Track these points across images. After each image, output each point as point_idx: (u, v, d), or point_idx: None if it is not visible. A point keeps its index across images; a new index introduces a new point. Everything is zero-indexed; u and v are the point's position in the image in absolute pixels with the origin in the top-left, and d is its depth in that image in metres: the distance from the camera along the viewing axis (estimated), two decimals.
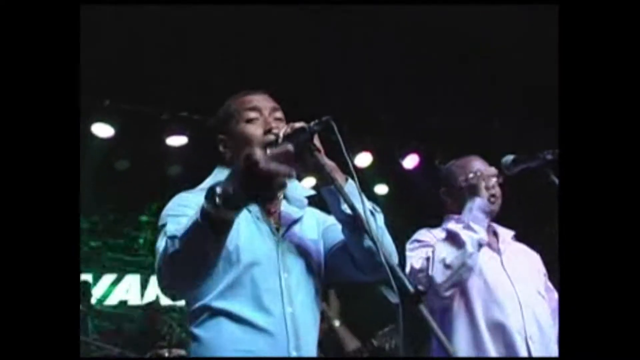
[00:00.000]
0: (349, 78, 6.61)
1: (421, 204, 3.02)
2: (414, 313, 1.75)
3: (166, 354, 5.26)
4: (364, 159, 8.13)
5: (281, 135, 2.28)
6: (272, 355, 2.18)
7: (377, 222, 2.26)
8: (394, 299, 1.84)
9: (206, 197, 1.91)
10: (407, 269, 2.94)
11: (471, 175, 3.14)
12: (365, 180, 8.13)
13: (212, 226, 1.91)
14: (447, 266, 2.85)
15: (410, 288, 1.79)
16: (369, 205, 2.23)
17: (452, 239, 2.91)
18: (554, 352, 2.91)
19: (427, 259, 2.89)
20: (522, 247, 3.30)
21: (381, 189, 8.45)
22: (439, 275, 2.83)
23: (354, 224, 2.23)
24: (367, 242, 2.22)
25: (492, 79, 6.94)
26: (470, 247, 2.87)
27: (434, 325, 1.72)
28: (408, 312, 1.80)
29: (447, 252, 2.87)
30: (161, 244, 2.13)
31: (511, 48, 6.57)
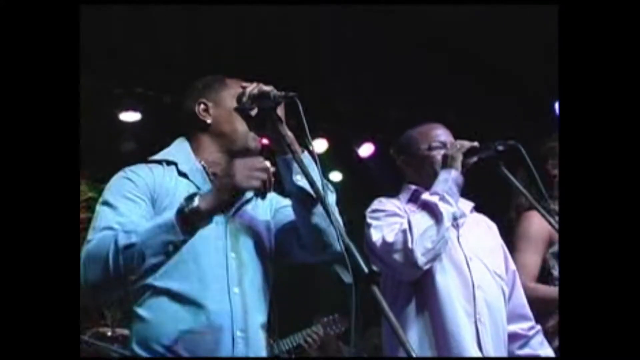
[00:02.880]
0: (311, 65, 6.63)
1: (374, 193, 3.02)
2: (365, 293, 1.77)
3: (109, 333, 5.22)
4: (319, 145, 8.05)
5: (247, 92, 2.32)
6: (214, 334, 2.16)
7: (328, 200, 2.22)
8: (347, 278, 1.85)
9: (186, 200, 2.10)
10: (376, 241, 2.86)
11: (448, 144, 3.07)
12: (320, 166, 8.14)
13: (185, 229, 2.08)
14: (427, 239, 2.78)
15: (365, 268, 1.82)
16: (322, 180, 2.24)
17: (430, 211, 2.84)
18: (504, 333, 2.96)
19: (404, 231, 2.81)
20: (482, 219, 3.27)
21: (335, 176, 8.45)
22: (420, 248, 2.76)
23: (304, 197, 2.27)
24: (315, 220, 2.26)
25: (450, 71, 7.02)
26: (447, 221, 2.84)
27: (386, 306, 1.73)
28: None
29: (426, 225, 2.80)
30: (101, 227, 2.17)
31: (470, 40, 6.60)
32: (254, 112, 2.32)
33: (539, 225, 3.31)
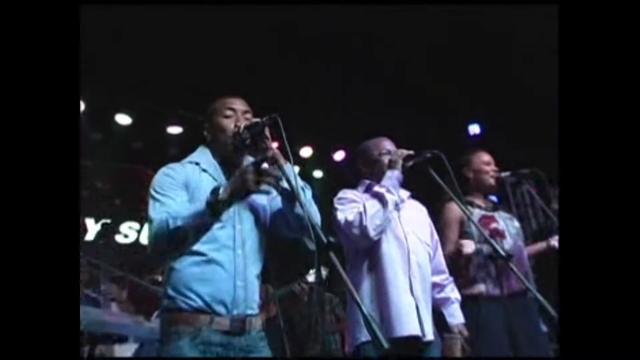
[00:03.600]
0: (302, 92, 6.53)
1: (345, 186, 3.03)
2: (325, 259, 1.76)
3: (159, 279, 5.25)
4: (306, 151, 8.08)
5: (242, 127, 2.28)
6: (222, 281, 2.17)
7: (306, 195, 2.24)
8: (311, 246, 1.86)
9: (212, 194, 2.10)
10: (341, 220, 2.83)
11: (392, 152, 3.04)
12: (307, 166, 8.17)
13: (212, 213, 2.11)
14: (377, 219, 2.78)
15: (324, 239, 1.82)
16: (300, 182, 2.21)
17: (380, 198, 2.82)
18: (429, 283, 2.94)
19: (360, 213, 2.79)
20: (415, 204, 3.19)
21: (318, 174, 8.48)
22: (371, 225, 2.76)
23: (288, 195, 2.25)
24: (297, 210, 2.24)
25: (400, 101, 6.99)
26: (391, 206, 2.82)
27: (340, 269, 1.73)
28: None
29: (376, 209, 2.79)
30: (157, 216, 2.15)
31: (419, 75, 6.58)
32: (248, 141, 2.27)
33: (455, 212, 3.34)
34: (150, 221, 2.19)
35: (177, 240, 2.13)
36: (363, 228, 2.78)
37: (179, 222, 2.10)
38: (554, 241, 3.64)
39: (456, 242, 3.24)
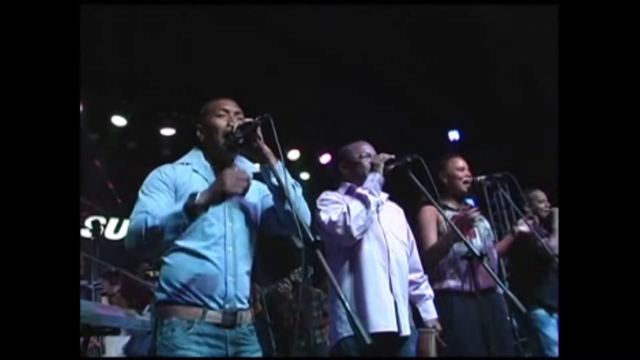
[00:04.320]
0: (291, 99, 6.55)
1: (329, 187, 3.09)
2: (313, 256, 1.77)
3: (151, 274, 5.32)
4: (294, 154, 8.20)
5: (235, 126, 2.30)
6: (213, 277, 2.19)
7: (296, 193, 2.28)
8: (299, 244, 1.91)
9: (190, 197, 2.11)
10: (325, 220, 2.86)
11: (373, 155, 3.08)
12: (294, 168, 8.26)
13: (189, 216, 2.10)
14: (360, 219, 2.82)
15: (312, 238, 1.84)
16: (291, 180, 2.25)
17: (363, 200, 2.86)
18: (407, 280, 3.00)
19: (344, 213, 2.82)
20: (393, 206, 3.23)
21: (305, 176, 8.53)
22: (355, 225, 2.80)
23: (279, 193, 2.26)
24: (287, 207, 2.24)
25: (382, 103, 7.05)
26: (373, 207, 2.86)
27: (326, 265, 1.76)
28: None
29: (359, 209, 2.83)
30: (137, 214, 2.18)
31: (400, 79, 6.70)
32: (240, 141, 2.28)
33: (432, 214, 3.44)
34: (131, 218, 2.21)
35: (153, 237, 2.12)
36: (347, 228, 2.82)
37: (157, 222, 2.11)
38: (520, 226, 3.70)
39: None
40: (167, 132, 7.36)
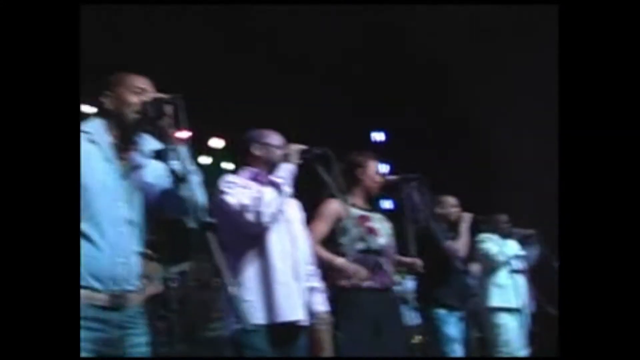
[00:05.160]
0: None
1: None
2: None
3: None
4: (218, 142, 8.27)
5: (147, 102, 2.21)
6: (104, 257, 2.11)
7: (196, 179, 2.21)
8: (192, 224, 1.87)
9: None
10: (233, 204, 2.81)
11: (286, 146, 3.01)
12: (217, 158, 8.26)
13: None
14: (273, 206, 2.81)
15: (206, 220, 1.86)
16: (191, 167, 2.17)
17: (277, 188, 2.83)
18: (308, 271, 3.00)
19: (257, 198, 2.79)
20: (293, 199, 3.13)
21: (229, 166, 8.50)
22: (267, 212, 2.78)
23: (178, 176, 2.15)
24: (184, 191, 2.14)
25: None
26: (285, 196, 2.85)
27: (216, 249, 1.75)
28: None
29: (273, 196, 2.81)
30: None
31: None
32: (151, 117, 2.17)
33: (333, 207, 3.36)
34: None
35: None
36: (258, 213, 2.78)
37: None
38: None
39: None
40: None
